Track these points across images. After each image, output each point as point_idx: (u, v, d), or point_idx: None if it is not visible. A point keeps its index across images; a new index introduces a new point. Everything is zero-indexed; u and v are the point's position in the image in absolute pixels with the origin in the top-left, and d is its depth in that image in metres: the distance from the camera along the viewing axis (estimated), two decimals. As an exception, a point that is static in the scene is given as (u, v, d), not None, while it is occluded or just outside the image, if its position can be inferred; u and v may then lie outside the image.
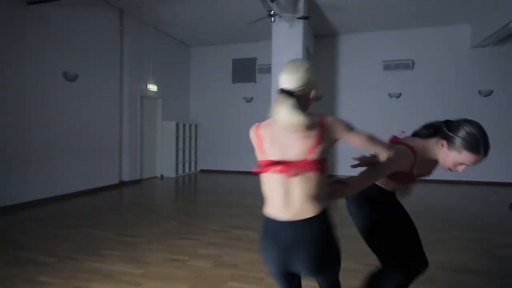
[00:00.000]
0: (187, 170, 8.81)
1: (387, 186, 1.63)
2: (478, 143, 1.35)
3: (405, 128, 8.04)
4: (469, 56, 7.36)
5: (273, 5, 4.59)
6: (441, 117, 6.74)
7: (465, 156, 1.39)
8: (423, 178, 1.62)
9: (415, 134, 1.62)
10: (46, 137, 5.15)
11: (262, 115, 5.75)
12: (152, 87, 7.68)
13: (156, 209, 4.92)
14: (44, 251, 2.98)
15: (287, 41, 5.57)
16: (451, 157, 1.42)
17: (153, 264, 2.73)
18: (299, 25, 5.49)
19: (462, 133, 1.38)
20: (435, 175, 7.16)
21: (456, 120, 1.48)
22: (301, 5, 5.48)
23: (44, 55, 5.09)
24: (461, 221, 4.20)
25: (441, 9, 6.54)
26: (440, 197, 5.92)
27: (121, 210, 4.93)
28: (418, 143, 1.52)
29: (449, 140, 1.42)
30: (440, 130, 1.48)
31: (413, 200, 5.51)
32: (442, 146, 1.45)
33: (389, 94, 7.86)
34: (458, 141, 1.38)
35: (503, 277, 2.57)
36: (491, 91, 7.19)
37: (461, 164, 1.42)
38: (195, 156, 9.21)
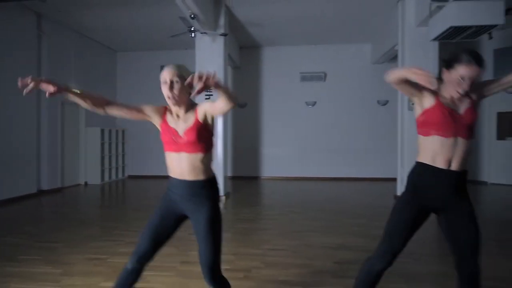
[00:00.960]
0: (114, 177, 8.70)
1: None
2: (463, 54, 1.54)
3: (318, 131, 9.10)
4: (370, 70, 8.59)
5: (193, 21, 4.98)
6: (349, 123, 7.77)
7: (459, 70, 1.53)
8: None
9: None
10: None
11: None
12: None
13: (78, 216, 4.94)
14: (-47, 261, 2.96)
15: (209, 54, 6.00)
16: (452, 77, 1.57)
17: (73, 264, 2.92)
18: (221, 40, 5.96)
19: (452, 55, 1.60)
20: (335, 172, 8.06)
21: None
22: (222, 21, 5.97)
23: None
24: (350, 212, 5.03)
25: (347, 30, 7.58)
26: (335, 193, 6.84)
27: (40, 219, 4.85)
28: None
29: (446, 65, 1.62)
30: None
31: (314, 197, 6.34)
32: (443, 72, 1.63)
33: (306, 102, 8.76)
34: (451, 62, 1.59)
35: (370, 251, 3.28)
36: (387, 101, 8.48)
37: (462, 78, 1.54)
38: (123, 162, 9.12)
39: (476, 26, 3.94)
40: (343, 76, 8.68)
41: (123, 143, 9.12)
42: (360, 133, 8.56)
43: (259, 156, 8.98)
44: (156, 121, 1.75)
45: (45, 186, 6.62)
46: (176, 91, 1.61)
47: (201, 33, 5.42)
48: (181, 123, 1.69)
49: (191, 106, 1.71)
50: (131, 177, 9.21)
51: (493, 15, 3.87)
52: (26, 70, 6.23)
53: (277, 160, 8.90)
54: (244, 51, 8.87)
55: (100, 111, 1.73)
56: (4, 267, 2.85)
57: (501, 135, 7.74)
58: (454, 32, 4.14)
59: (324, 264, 2.92)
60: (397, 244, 1.70)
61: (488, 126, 7.79)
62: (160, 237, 1.72)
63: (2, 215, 4.90)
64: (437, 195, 1.68)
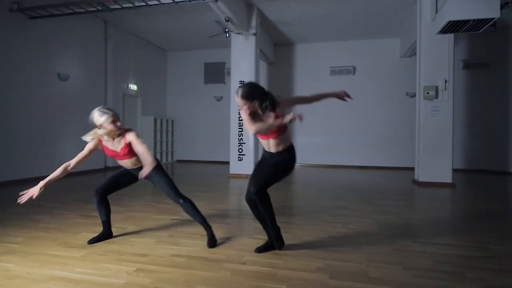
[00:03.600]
0: (164, 160, 10.03)
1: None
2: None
3: (349, 123, 9.78)
4: (399, 64, 8.93)
5: (227, 24, 5.92)
6: (378, 114, 8.59)
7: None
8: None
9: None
10: (39, 126, 6.32)
11: (230, 112, 7.44)
12: (133, 87, 8.88)
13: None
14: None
15: (243, 51, 6.91)
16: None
17: (132, 206, 4.00)
18: (253, 38, 6.84)
19: None
20: (362, 161, 8.64)
21: None
22: (253, 22, 6.84)
23: (41, 60, 6.26)
24: (360, 189, 5.65)
25: (374, 26, 8.04)
26: (356, 177, 7.39)
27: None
28: None
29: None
30: None
31: (334, 179, 6.95)
32: None
33: (335, 95, 9.33)
34: None
35: (361, 211, 3.96)
36: (415, 93, 8.75)
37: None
38: (172, 148, 10.44)
39: (473, 20, 4.35)
40: (372, 70, 9.11)
41: (172, 131, 10.43)
42: (389, 124, 8.95)
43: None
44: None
45: (110, 164, 8.04)
46: None
47: (236, 33, 6.33)
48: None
49: None
50: (179, 161, 10.49)
51: (489, 9, 4.25)
52: (95, 68, 7.67)
53: (308, 149, 9.59)
54: (279, 48, 9.67)
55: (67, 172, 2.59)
56: (87, 205, 4.02)
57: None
58: (453, 26, 4.56)
59: (320, 216, 3.68)
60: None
61: (520, 117, 7.79)
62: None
63: (80, 180, 6.27)
64: None
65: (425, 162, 6.12)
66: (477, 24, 4.47)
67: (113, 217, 3.47)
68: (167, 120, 10.18)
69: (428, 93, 6.02)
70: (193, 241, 2.72)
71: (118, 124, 2.58)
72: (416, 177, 6.40)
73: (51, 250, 2.49)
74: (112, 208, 3.85)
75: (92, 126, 2.65)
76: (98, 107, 2.65)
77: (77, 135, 7.50)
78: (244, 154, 7.03)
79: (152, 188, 5.47)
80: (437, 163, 6.04)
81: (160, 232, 2.97)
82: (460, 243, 2.76)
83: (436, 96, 6.02)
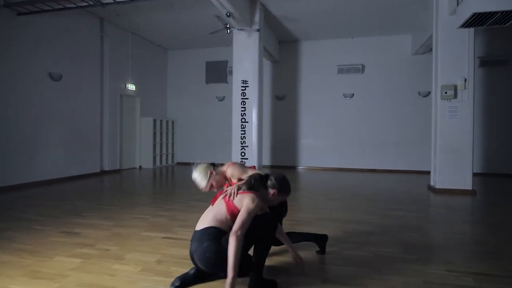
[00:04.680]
0: (164, 163, 9.64)
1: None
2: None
3: (358, 124, 9.21)
4: (410, 61, 8.46)
5: (229, 19, 5.50)
6: (388, 115, 7.99)
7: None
8: None
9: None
10: (28, 130, 5.94)
11: (232, 113, 6.87)
12: (131, 87, 8.49)
13: (130, 190, 5.77)
14: (39, 212, 3.82)
15: (245, 49, 6.49)
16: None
17: (122, 220, 3.61)
18: (256, 35, 6.41)
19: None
20: (372, 163, 8.19)
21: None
22: (257, 17, 6.41)
23: (31, 59, 5.87)
24: (371, 196, 5.21)
25: (385, 21, 7.58)
26: (364, 181, 6.94)
27: (101, 191, 5.76)
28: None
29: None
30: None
31: (342, 184, 6.49)
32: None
33: (343, 94, 8.89)
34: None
35: (377, 225, 3.54)
36: (429, 92, 8.28)
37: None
38: (172, 150, 10.05)
39: (501, 12, 3.90)
40: (382, 68, 8.65)
41: (173, 133, 10.04)
42: (400, 125, 8.48)
43: (297, 147, 9.32)
44: None
45: (106, 167, 7.67)
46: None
47: (238, 29, 5.92)
48: None
49: None
50: (180, 163, 10.10)
51: (520, -1, 3.81)
52: (91, 67, 7.29)
53: (314, 151, 9.16)
54: (284, 46, 9.23)
55: None
56: (72, 218, 3.63)
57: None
58: (478, 19, 4.11)
59: (331, 233, 3.25)
60: None
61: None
62: None
63: (73, 186, 5.89)
64: None
65: (443, 167, 5.66)
66: (506, 16, 4.02)
67: (98, 234, 3.09)
68: (167, 121, 9.79)
69: (446, 92, 5.56)
70: (185, 269, 2.30)
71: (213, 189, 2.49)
72: (432, 183, 5.95)
73: (15, 282, 2.09)
74: (99, 222, 3.49)
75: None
76: (197, 172, 2.45)
77: (70, 139, 7.24)
78: (247, 158, 6.61)
79: (150, 195, 5.09)
80: (455, 168, 5.58)
81: (148, 256, 2.56)
82: (501, 272, 2.32)
83: (455, 95, 5.56)
